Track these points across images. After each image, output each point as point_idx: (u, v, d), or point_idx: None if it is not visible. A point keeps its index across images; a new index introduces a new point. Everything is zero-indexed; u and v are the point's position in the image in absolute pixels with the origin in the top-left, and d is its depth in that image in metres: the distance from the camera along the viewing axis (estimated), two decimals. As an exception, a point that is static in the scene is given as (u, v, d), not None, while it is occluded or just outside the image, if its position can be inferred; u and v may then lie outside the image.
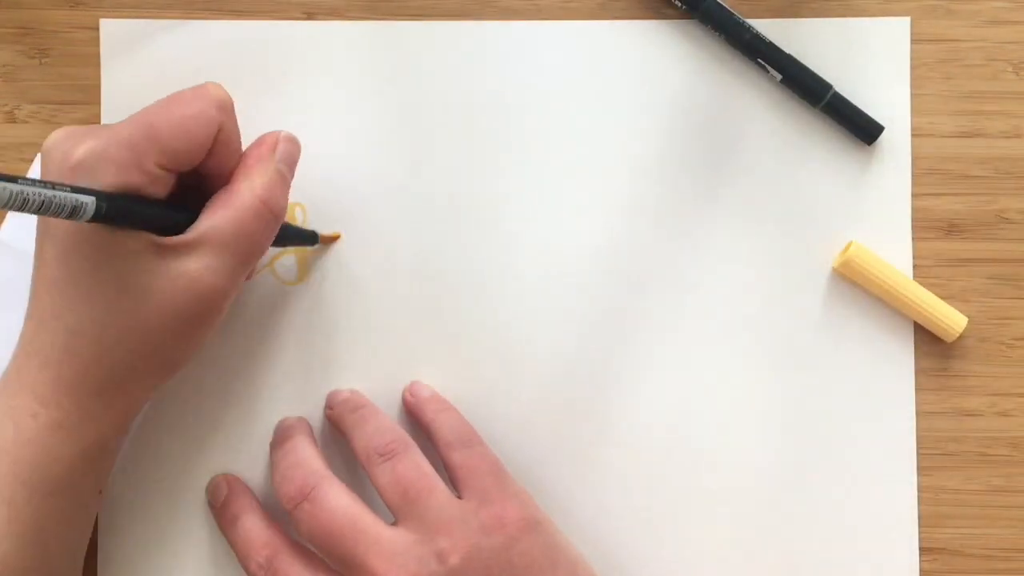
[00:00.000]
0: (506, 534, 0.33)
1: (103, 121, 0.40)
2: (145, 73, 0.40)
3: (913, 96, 0.40)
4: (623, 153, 0.40)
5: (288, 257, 0.39)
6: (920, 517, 0.39)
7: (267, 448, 0.39)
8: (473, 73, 0.40)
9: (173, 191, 0.33)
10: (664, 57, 0.40)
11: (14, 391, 0.33)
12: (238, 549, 0.36)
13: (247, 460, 0.39)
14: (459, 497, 0.35)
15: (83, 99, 0.40)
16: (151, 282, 0.32)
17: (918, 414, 0.39)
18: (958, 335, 0.39)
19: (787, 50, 0.39)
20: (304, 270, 0.39)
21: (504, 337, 0.39)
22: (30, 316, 0.33)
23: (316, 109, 0.40)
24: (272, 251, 0.38)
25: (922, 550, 0.39)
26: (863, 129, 0.39)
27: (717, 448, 0.39)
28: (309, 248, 0.39)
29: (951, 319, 0.39)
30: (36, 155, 0.40)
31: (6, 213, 0.39)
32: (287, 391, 0.39)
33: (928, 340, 0.39)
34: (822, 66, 0.39)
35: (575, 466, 0.39)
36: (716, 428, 0.39)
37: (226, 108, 0.33)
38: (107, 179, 0.31)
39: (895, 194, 0.39)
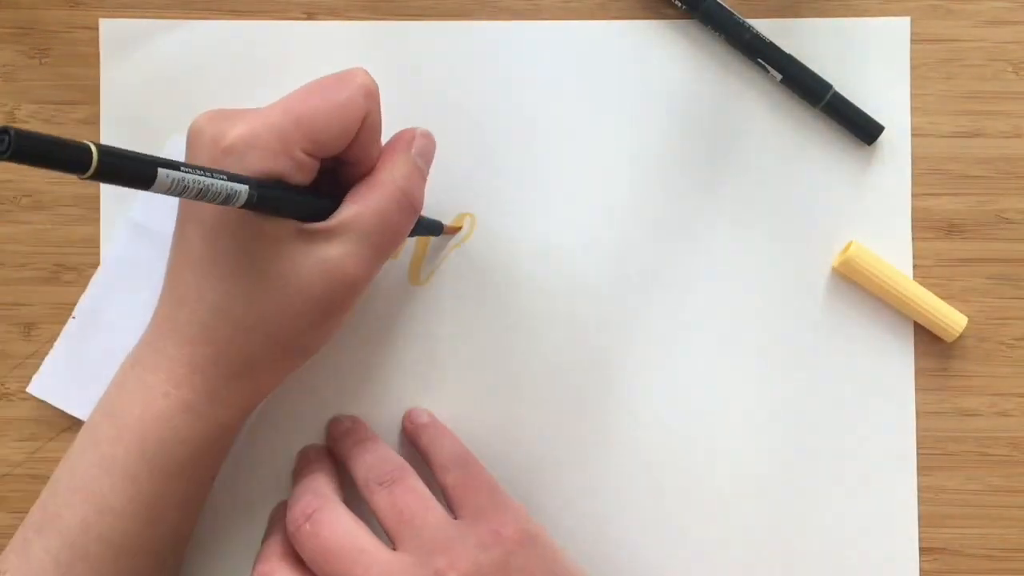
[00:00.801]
0: (504, 549, 0.33)
1: (103, 120, 0.40)
2: (145, 73, 0.40)
3: (913, 96, 0.40)
4: (623, 153, 0.40)
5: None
6: (920, 517, 0.39)
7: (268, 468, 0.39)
8: (473, 73, 0.40)
9: (315, 175, 0.33)
10: (664, 57, 0.40)
11: (149, 367, 0.33)
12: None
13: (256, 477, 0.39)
14: (455, 518, 0.35)
15: (83, 99, 0.40)
16: (294, 267, 0.32)
17: (918, 414, 0.39)
18: (958, 335, 0.39)
19: (787, 50, 0.39)
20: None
21: (503, 338, 0.39)
22: (168, 294, 0.33)
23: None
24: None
25: (922, 550, 0.39)
26: (863, 129, 0.39)
27: (717, 448, 0.39)
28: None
29: (951, 319, 0.39)
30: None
31: (137, 193, 0.39)
32: (292, 409, 0.39)
33: (928, 340, 0.39)
34: (822, 66, 0.39)
35: (576, 466, 0.39)
36: (716, 428, 0.39)
37: (372, 95, 0.33)
38: (255, 165, 0.31)
39: (895, 194, 0.39)
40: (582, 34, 0.40)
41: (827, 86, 0.39)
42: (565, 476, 0.39)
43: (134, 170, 0.26)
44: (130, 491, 0.32)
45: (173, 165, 0.27)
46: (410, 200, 0.34)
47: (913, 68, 0.40)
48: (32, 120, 0.40)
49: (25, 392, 0.39)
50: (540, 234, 0.40)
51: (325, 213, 0.33)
